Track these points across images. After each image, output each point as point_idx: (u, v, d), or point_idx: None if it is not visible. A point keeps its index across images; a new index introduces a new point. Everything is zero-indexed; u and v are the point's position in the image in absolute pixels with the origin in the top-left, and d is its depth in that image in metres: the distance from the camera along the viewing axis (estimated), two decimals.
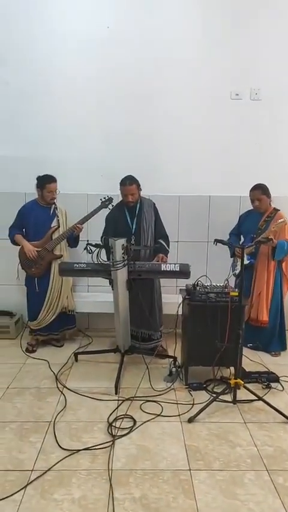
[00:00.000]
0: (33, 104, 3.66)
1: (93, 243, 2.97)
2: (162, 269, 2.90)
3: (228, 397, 2.61)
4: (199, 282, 2.87)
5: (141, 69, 3.66)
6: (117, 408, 2.55)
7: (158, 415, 2.49)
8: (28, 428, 2.33)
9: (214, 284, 2.91)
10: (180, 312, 2.98)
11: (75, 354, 3.22)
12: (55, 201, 3.36)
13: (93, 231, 3.37)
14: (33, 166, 3.45)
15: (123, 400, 2.64)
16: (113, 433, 2.29)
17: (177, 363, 3.03)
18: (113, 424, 2.37)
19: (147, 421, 2.43)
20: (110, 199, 3.36)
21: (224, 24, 3.62)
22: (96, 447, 2.17)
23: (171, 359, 3.06)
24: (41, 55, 3.61)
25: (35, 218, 3.32)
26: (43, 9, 3.56)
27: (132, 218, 3.21)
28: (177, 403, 2.63)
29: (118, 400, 2.65)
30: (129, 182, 3.09)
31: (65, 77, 3.65)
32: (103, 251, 2.90)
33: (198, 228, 3.89)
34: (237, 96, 3.76)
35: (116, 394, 2.72)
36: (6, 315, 3.76)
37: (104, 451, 2.15)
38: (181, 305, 2.95)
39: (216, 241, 2.81)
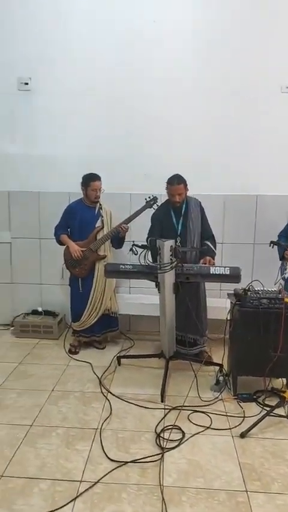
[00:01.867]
0: (79, 103, 3.61)
1: (139, 244, 2.88)
2: (211, 272, 2.76)
3: (281, 411, 2.44)
4: (250, 287, 2.71)
5: (187, 67, 3.52)
6: (164, 418, 2.45)
7: (208, 427, 2.36)
8: (74, 435, 2.27)
9: (266, 289, 2.73)
10: (228, 318, 2.83)
11: (118, 358, 3.15)
12: (99, 200, 3.30)
13: (137, 231, 3.28)
14: (78, 166, 3.41)
15: (170, 409, 2.53)
16: (162, 445, 2.19)
17: (223, 371, 2.89)
18: (161, 435, 2.27)
19: (197, 433, 2.30)
20: (154, 199, 3.26)
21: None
22: (145, 460, 2.07)
23: (217, 367, 2.92)
24: (85, 54, 3.55)
25: (80, 218, 3.28)
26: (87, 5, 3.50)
27: (178, 218, 3.09)
28: (226, 415, 2.49)
29: (164, 408, 2.55)
30: (177, 181, 2.97)
31: (109, 76, 3.57)
32: (149, 252, 2.80)
33: (244, 229, 3.71)
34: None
35: (162, 402, 2.62)
36: (49, 314, 3.75)
37: (153, 465, 2.05)
38: (230, 310, 2.79)
39: (272, 243, 2.63)
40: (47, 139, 3.69)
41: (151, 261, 2.78)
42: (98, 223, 3.29)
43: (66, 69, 3.59)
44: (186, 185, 3.02)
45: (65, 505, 1.78)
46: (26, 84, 3.65)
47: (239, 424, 2.39)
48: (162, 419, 2.43)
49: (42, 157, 3.69)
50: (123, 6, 3.49)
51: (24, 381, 2.87)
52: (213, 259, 3.04)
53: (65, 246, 3.30)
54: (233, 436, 2.29)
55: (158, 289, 2.85)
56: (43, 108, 3.66)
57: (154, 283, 2.88)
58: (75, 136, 3.65)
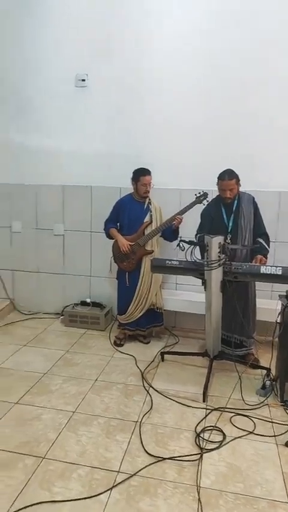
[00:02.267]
0: (131, 100, 3.63)
1: (187, 240, 2.84)
2: (262, 272, 2.63)
3: None
4: None
5: (245, 69, 3.39)
6: (205, 418, 2.40)
7: (251, 432, 2.27)
8: (115, 426, 2.30)
9: None
10: (278, 320, 2.69)
11: (162, 353, 3.14)
12: (149, 195, 3.30)
13: (185, 227, 3.23)
14: (129, 161, 3.43)
15: (212, 410, 2.47)
16: (201, 445, 2.15)
17: (270, 375, 2.76)
18: (201, 435, 2.22)
19: (239, 437, 2.23)
20: (205, 195, 3.19)
21: None
22: (184, 458, 2.05)
23: (265, 370, 2.80)
24: (147, 52, 3.55)
25: (130, 212, 3.30)
26: (151, 4, 3.49)
27: (228, 215, 2.99)
28: (272, 422, 2.38)
29: (206, 408, 2.49)
30: (228, 176, 2.87)
31: (165, 73, 3.54)
32: (197, 249, 2.75)
33: None
34: None
35: (203, 401, 2.57)
36: (97, 306, 3.84)
37: (191, 464, 2.02)
38: (281, 313, 2.66)
39: None
40: (100, 135, 3.75)
41: (199, 257, 2.73)
42: (147, 218, 3.29)
43: (120, 66, 3.61)
44: (239, 180, 2.91)
45: (101, 493, 1.81)
46: (83, 80, 3.73)
47: (285, 432, 2.27)
48: (203, 419, 2.38)
49: (94, 153, 3.77)
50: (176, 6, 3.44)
51: (70, 369, 2.97)
52: (266, 257, 2.91)
53: (113, 240, 3.35)
54: (277, 444, 2.19)
55: (205, 287, 2.78)
56: (97, 104, 3.72)
57: (201, 280, 2.82)
58: (126, 132, 3.67)
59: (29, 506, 1.73)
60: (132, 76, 3.61)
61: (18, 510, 1.71)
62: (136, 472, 1.94)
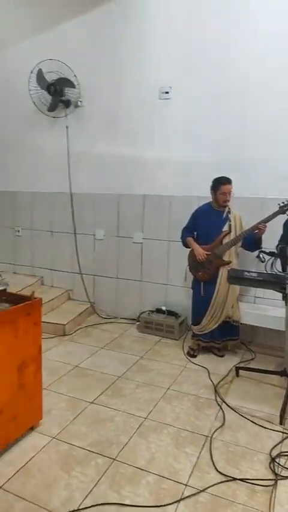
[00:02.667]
0: (212, 109, 3.60)
1: (267, 251, 2.71)
2: None
3: None
4: None
5: None
6: (281, 442, 2.25)
7: None
8: (184, 437, 2.28)
9: None
10: None
11: (237, 368, 3.03)
12: (228, 204, 3.23)
13: (266, 238, 3.09)
14: (207, 170, 3.42)
15: None
16: (276, 471, 2.02)
17: None
18: (277, 460, 2.09)
19: None
20: None
21: None
22: (256, 482, 1.94)
23: None
24: (221, 63, 3.53)
25: (207, 221, 3.27)
26: (238, 10, 3.44)
27: None
28: None
29: (283, 432, 2.34)
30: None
31: (251, 83, 3.46)
32: (278, 261, 2.62)
33: None
34: None
35: (280, 424, 2.41)
36: (172, 315, 3.86)
37: (264, 489, 1.91)
38: None
39: None
40: (180, 145, 3.79)
41: (280, 270, 2.59)
42: (225, 228, 3.22)
43: (203, 77, 3.62)
44: None
45: (168, 504, 1.81)
46: (167, 93, 3.82)
47: None
48: (279, 443, 2.24)
49: (175, 162, 3.82)
50: (264, 12, 3.33)
51: (144, 375, 3.02)
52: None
53: (190, 249, 3.35)
54: None
55: (286, 302, 2.63)
56: (178, 115, 3.77)
57: (281, 294, 2.67)
58: (207, 142, 3.65)
59: (99, 505, 1.80)
60: (216, 87, 3.58)
61: (88, 507, 1.79)
62: (205, 489, 1.90)
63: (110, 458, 2.10)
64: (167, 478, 1.97)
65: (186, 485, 1.93)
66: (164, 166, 3.89)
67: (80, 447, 2.19)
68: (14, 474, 1.97)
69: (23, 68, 4.17)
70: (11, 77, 4.46)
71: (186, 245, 3.39)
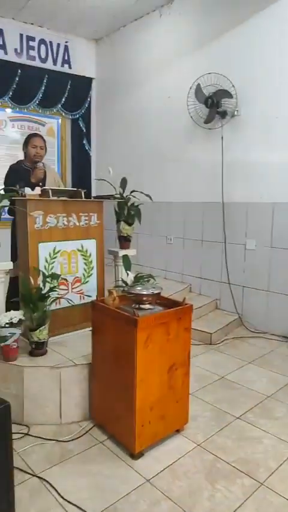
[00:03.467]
0: None
1: None
2: None
3: None
4: None
5: None
6: None
7: None
8: None
9: None
10: None
11: None
12: None
13: None
14: None
15: None
16: None
17: None
18: None
19: None
20: None
21: None
22: None
23: None
24: None
25: None
26: None
27: None
28: None
29: None
30: None
31: None
32: None
33: None
34: None
35: None
36: None
37: None
38: None
39: None
40: None
41: None
42: None
43: None
44: None
45: None
46: None
47: None
48: None
49: None
50: None
51: None
52: None
53: None
54: None
55: None
56: None
57: None
58: None
59: None
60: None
61: None
62: None
63: (257, 481, 1.98)
64: None
65: None
66: None
67: (225, 461, 2.12)
68: (160, 471, 2.05)
69: (182, 84, 4.41)
70: (171, 94, 4.77)
71: None
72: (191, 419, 2.44)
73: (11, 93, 5.26)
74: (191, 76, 4.29)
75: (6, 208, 2.91)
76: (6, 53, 5.22)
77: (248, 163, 4.09)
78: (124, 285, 2.61)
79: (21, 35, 5.33)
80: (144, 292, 2.24)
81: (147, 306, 2.23)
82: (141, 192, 3.17)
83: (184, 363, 2.31)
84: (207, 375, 3.11)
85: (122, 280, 2.70)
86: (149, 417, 2.14)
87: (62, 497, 1.86)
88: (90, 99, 6.09)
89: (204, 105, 4.19)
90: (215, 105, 4.10)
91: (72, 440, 2.29)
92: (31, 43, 5.43)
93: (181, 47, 4.66)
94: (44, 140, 3.52)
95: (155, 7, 4.88)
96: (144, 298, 2.23)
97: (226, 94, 4.05)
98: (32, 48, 5.45)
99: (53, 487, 1.92)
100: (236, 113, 4.11)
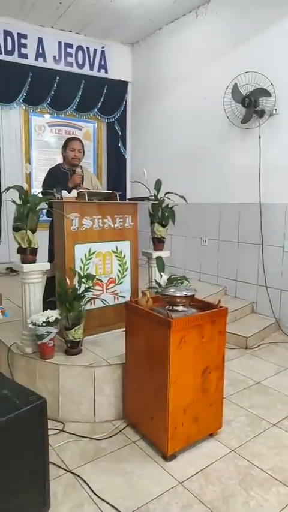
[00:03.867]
0: None
1: None
2: None
3: None
4: None
5: None
6: None
7: None
8: None
9: None
10: None
11: None
12: None
13: None
14: None
15: None
16: None
17: None
18: None
19: None
20: None
21: None
22: None
23: None
24: None
25: None
26: None
27: None
28: None
29: None
30: None
31: None
32: None
33: None
34: None
35: None
36: None
37: None
38: None
39: None
40: None
41: None
42: None
43: None
44: None
45: None
46: None
47: None
48: None
49: None
50: None
51: None
52: None
53: None
54: None
55: None
56: None
57: None
58: None
59: None
60: None
61: None
62: None
63: None
64: None
65: None
66: None
67: (261, 469, 2.07)
68: (193, 474, 2.03)
69: (218, 84, 4.35)
70: (207, 95, 4.73)
71: None
72: (225, 424, 2.40)
73: (49, 100, 5.44)
74: (227, 76, 4.23)
75: (45, 211, 3.00)
76: (45, 61, 5.41)
77: (286, 163, 3.97)
78: (157, 286, 2.61)
79: (59, 43, 5.50)
80: (178, 294, 2.23)
81: (180, 308, 2.23)
82: (176, 194, 3.16)
83: (218, 366, 2.27)
84: (242, 380, 3.04)
85: (156, 282, 2.71)
86: (182, 419, 2.13)
87: (96, 493, 1.89)
88: (125, 102, 6.16)
89: (241, 105, 4.12)
90: (252, 104, 4.01)
91: (106, 438, 2.32)
92: (69, 50, 5.59)
93: (217, 47, 4.60)
94: (82, 144, 3.60)
95: (191, 8, 4.86)
96: (178, 300, 2.23)
97: (264, 92, 3.96)
98: (70, 54, 5.61)
99: (87, 484, 1.96)
100: (274, 111, 4.00)
